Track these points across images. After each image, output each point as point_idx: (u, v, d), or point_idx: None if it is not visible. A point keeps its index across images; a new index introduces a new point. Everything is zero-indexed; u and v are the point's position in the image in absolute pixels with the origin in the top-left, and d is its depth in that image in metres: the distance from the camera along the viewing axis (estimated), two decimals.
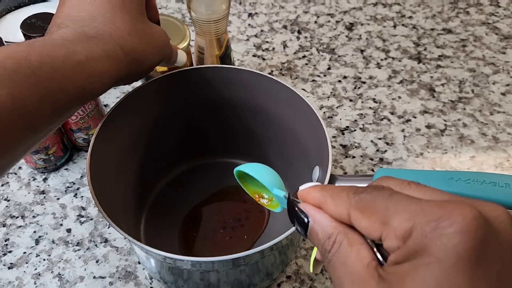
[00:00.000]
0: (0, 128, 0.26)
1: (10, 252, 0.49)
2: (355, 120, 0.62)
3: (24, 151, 0.30)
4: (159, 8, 0.79)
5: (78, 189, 0.54)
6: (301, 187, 0.24)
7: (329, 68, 0.69)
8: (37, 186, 0.55)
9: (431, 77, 0.68)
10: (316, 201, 0.22)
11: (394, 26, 0.76)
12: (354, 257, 0.20)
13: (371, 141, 0.60)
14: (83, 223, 0.51)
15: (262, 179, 0.28)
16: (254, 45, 0.72)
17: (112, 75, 0.33)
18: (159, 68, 0.53)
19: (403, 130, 0.61)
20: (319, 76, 0.68)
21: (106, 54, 0.32)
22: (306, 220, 0.22)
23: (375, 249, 0.20)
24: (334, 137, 0.60)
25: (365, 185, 0.22)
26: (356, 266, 0.19)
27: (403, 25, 0.76)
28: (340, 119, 0.62)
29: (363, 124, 0.61)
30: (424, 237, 0.17)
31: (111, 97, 0.64)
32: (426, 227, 0.17)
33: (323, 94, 0.65)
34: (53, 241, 0.50)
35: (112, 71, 0.33)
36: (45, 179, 0.55)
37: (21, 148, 0.29)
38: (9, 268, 0.48)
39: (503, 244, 0.17)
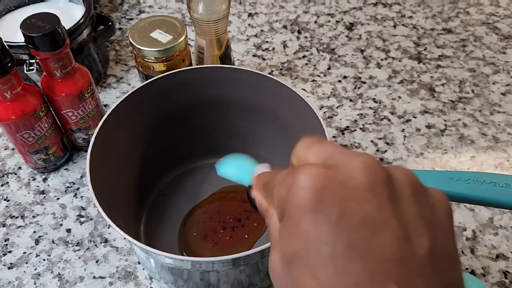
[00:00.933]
0: None
1: (10, 252, 0.49)
2: (355, 120, 0.62)
3: None
4: (159, 8, 0.79)
5: (78, 189, 0.54)
6: (254, 173, 0.28)
7: (329, 68, 0.69)
8: (37, 186, 0.55)
9: (431, 77, 0.68)
10: (256, 188, 0.27)
11: (394, 26, 0.76)
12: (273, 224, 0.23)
13: (371, 141, 0.60)
14: (83, 223, 0.51)
15: (234, 178, 0.31)
16: (254, 45, 0.72)
17: None
18: (159, 68, 0.53)
19: (403, 130, 0.61)
20: (319, 76, 0.68)
21: None
22: (255, 203, 0.26)
23: None
24: (334, 137, 0.60)
25: None
26: (275, 231, 0.23)
27: (403, 25, 0.76)
28: (340, 119, 0.62)
29: (363, 124, 0.61)
30: (282, 201, 0.21)
31: (111, 97, 0.64)
32: (282, 192, 0.21)
33: (323, 94, 0.65)
34: (53, 241, 0.50)
35: None
36: (45, 179, 0.55)
37: None
38: (9, 268, 0.48)
39: (349, 189, 0.19)
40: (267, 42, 0.73)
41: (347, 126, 0.61)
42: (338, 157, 0.21)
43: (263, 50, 0.71)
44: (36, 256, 0.49)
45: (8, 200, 0.53)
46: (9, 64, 0.44)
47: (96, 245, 0.49)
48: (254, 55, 0.71)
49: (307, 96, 0.65)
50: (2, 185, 0.55)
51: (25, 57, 0.53)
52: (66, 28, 0.49)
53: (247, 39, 0.73)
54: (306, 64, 0.69)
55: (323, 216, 0.18)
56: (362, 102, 0.64)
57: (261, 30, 0.75)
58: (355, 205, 0.18)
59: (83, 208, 0.53)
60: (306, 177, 0.19)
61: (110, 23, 0.62)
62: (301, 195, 0.19)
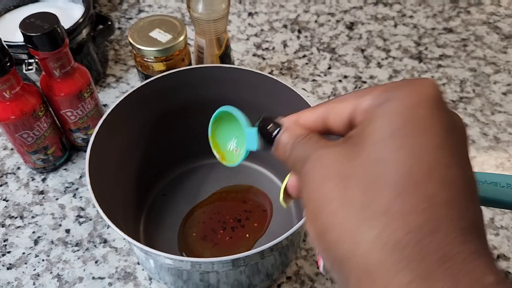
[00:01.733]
0: None
1: (9, 252, 0.49)
2: None
3: None
4: (159, 7, 0.78)
5: (77, 189, 0.54)
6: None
7: (329, 68, 0.69)
8: (36, 186, 0.54)
9: (432, 76, 0.67)
10: (295, 116, 0.24)
11: (395, 26, 0.76)
12: (312, 143, 0.22)
13: None
14: (82, 223, 0.51)
15: (240, 118, 0.29)
16: (254, 45, 0.72)
17: None
18: (158, 68, 0.53)
19: None
20: (319, 75, 0.67)
21: None
22: (278, 129, 0.24)
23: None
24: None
25: None
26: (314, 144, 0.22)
27: (404, 24, 0.76)
28: None
29: None
30: (391, 91, 0.19)
31: (110, 97, 0.64)
32: (397, 84, 0.20)
33: (323, 93, 0.65)
34: (52, 242, 0.50)
35: None
36: (44, 179, 0.55)
37: None
38: (8, 268, 0.48)
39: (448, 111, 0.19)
40: (267, 41, 0.73)
41: None
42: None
43: (263, 50, 0.71)
44: (35, 257, 0.49)
45: (7, 200, 0.53)
46: (8, 64, 0.44)
47: (95, 246, 0.49)
48: (254, 55, 0.70)
49: (308, 96, 0.64)
50: (1, 185, 0.55)
51: (24, 56, 0.53)
52: (65, 27, 0.49)
53: (247, 39, 0.73)
54: (306, 63, 0.69)
55: (437, 116, 0.18)
56: None
57: (261, 30, 0.75)
58: (456, 119, 0.20)
59: (82, 209, 0.52)
60: (430, 80, 0.19)
61: (110, 23, 0.62)
62: (428, 87, 0.19)
